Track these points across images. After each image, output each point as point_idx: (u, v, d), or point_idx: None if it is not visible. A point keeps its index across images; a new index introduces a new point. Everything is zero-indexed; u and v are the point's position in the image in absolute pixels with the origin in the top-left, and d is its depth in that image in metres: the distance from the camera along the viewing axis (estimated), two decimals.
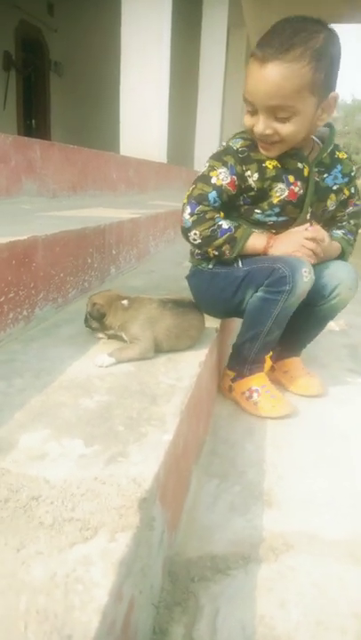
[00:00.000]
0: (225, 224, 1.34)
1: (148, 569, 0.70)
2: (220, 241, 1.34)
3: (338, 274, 1.44)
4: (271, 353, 1.68)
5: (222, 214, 1.37)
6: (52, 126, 9.22)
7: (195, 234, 1.35)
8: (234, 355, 1.50)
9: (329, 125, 1.40)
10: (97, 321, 1.27)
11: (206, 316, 1.40)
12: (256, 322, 1.37)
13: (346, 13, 8.51)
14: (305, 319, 1.53)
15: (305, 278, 1.28)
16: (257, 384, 1.46)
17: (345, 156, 1.45)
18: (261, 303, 1.34)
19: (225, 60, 7.06)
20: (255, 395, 1.45)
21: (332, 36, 1.18)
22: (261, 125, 1.24)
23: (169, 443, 0.82)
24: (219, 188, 1.33)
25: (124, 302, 1.27)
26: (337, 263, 1.47)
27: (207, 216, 1.33)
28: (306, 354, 1.73)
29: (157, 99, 4.09)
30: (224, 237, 1.34)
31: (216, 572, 0.87)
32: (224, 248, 1.35)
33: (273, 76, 1.15)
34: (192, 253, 1.57)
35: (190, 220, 1.35)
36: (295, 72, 1.14)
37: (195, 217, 1.34)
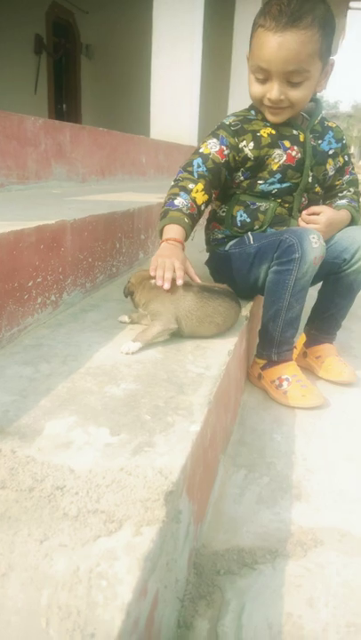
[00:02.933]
0: (179, 200, 1.34)
1: (173, 563, 0.68)
2: (162, 210, 1.36)
3: (357, 236, 1.45)
4: (305, 339, 1.65)
5: (200, 185, 1.37)
6: (82, 110, 9.20)
7: (165, 196, 1.40)
8: (260, 340, 1.48)
9: (315, 100, 1.45)
10: (130, 297, 1.28)
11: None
12: (274, 297, 1.37)
13: None
14: (333, 289, 1.54)
15: (314, 244, 1.29)
16: (288, 373, 1.43)
17: (334, 124, 1.52)
18: (276, 277, 1.35)
19: None
20: (285, 383, 1.42)
21: (328, 7, 1.26)
22: (276, 91, 1.30)
23: (196, 433, 0.79)
24: (205, 156, 1.39)
25: (152, 282, 1.25)
26: (354, 227, 1.50)
27: (180, 184, 1.38)
28: (338, 343, 1.68)
29: (189, 81, 4.02)
30: (164, 209, 1.36)
31: (243, 566, 0.85)
32: (160, 217, 1.36)
33: (291, 42, 1.22)
34: (207, 242, 1.59)
35: (171, 184, 1.41)
36: (309, 38, 1.22)
37: (173, 182, 1.40)
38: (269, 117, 1.39)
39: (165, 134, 3.89)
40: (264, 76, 1.30)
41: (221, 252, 1.51)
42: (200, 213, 1.39)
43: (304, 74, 1.27)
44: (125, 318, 1.27)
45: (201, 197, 1.37)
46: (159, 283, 1.17)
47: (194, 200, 1.36)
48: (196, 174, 1.38)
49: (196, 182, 1.37)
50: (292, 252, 1.28)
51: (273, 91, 1.30)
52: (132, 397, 0.89)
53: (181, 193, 1.36)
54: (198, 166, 1.39)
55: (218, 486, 1.05)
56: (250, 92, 1.38)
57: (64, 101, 9.04)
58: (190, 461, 0.75)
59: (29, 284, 1.14)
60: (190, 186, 1.37)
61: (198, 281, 1.25)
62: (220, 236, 1.55)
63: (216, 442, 1.02)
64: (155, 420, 0.82)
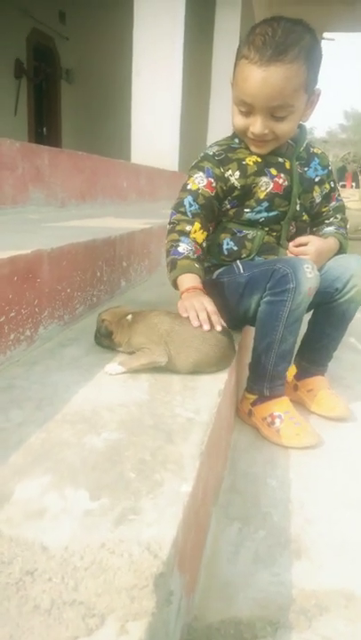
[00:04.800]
0: (182, 247, 1.31)
1: None
2: (168, 259, 1.33)
3: (349, 265, 1.40)
4: (295, 371, 1.58)
5: (197, 225, 1.33)
6: (63, 134, 9.19)
7: (166, 243, 1.36)
8: (251, 374, 1.39)
9: (300, 127, 1.40)
10: (106, 338, 1.20)
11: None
12: (267, 329, 1.30)
13: (356, 21, 8.43)
14: (325, 319, 1.48)
15: (308, 274, 1.23)
16: (280, 409, 1.35)
17: (320, 150, 1.49)
18: (269, 308, 1.28)
19: None
20: (278, 421, 1.33)
21: (315, 35, 1.21)
22: (260, 126, 1.25)
23: (188, 494, 0.70)
24: (194, 192, 1.35)
25: (129, 317, 1.20)
26: (345, 255, 1.45)
27: (177, 227, 1.34)
28: (329, 374, 1.61)
29: (170, 106, 4.01)
30: (170, 258, 1.32)
31: None
32: (168, 267, 1.33)
33: (276, 78, 1.17)
34: None
35: (168, 229, 1.37)
36: (295, 72, 1.17)
37: (169, 226, 1.37)
38: (253, 149, 1.35)
39: (147, 158, 3.85)
40: (247, 109, 1.26)
41: (208, 281, 1.43)
42: (203, 252, 1.36)
43: (288, 108, 1.23)
44: (119, 368, 1.10)
45: (201, 236, 1.34)
46: (195, 323, 1.14)
47: (195, 241, 1.32)
48: (189, 214, 1.34)
49: (192, 223, 1.33)
50: (287, 282, 1.22)
51: (257, 125, 1.26)
52: (114, 450, 0.79)
53: (182, 238, 1.32)
54: (190, 205, 1.34)
55: (210, 544, 0.95)
56: (233, 123, 1.34)
57: (44, 125, 9.03)
58: (182, 530, 0.65)
59: (1, 320, 1.04)
60: (188, 228, 1.33)
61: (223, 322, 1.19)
62: (206, 264, 1.47)
63: (208, 495, 0.92)
64: (141, 478, 0.73)
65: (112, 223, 2.08)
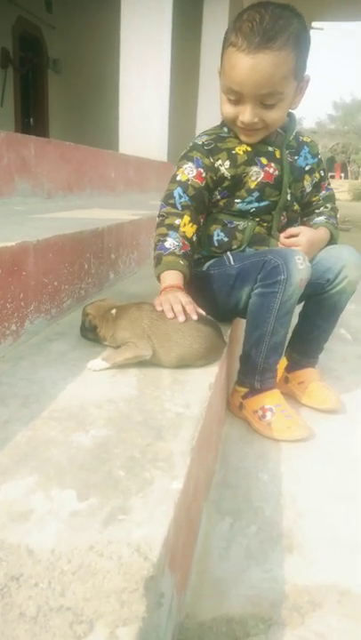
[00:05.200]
0: (169, 242, 1.28)
1: None
2: (154, 253, 1.31)
3: (341, 255, 1.39)
4: (286, 363, 1.57)
5: (186, 217, 1.30)
6: (50, 124, 9.07)
7: (154, 236, 1.33)
8: (242, 366, 1.38)
9: (289, 115, 1.37)
10: (90, 332, 1.19)
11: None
12: (258, 321, 1.28)
13: (349, 10, 8.39)
14: (316, 311, 1.47)
15: (300, 266, 1.21)
16: (271, 402, 1.33)
17: (309, 139, 1.47)
18: (260, 300, 1.26)
19: None
20: (269, 414, 1.32)
21: (303, 20, 1.19)
22: (250, 115, 1.23)
23: (179, 492, 0.68)
24: (184, 184, 1.31)
25: (113, 312, 1.18)
26: (336, 246, 1.44)
27: (166, 221, 1.31)
28: (319, 365, 1.60)
29: (158, 96, 3.96)
30: (156, 253, 1.30)
31: None
32: (154, 262, 1.31)
33: (265, 65, 1.14)
34: None
35: (157, 222, 1.34)
36: (284, 59, 1.14)
37: (158, 219, 1.34)
38: (243, 138, 1.32)
39: (135, 149, 3.81)
40: (236, 97, 1.23)
41: (199, 273, 1.41)
42: (193, 246, 1.33)
43: (278, 96, 1.20)
44: (103, 364, 1.07)
45: (190, 230, 1.31)
46: (170, 315, 1.12)
47: (184, 235, 1.29)
48: (179, 206, 1.30)
49: (181, 216, 1.30)
50: (278, 273, 1.20)
51: (246, 114, 1.23)
52: (103, 447, 0.77)
53: (170, 232, 1.28)
54: (180, 196, 1.31)
55: (201, 540, 0.94)
56: (222, 112, 1.31)
57: (31, 115, 8.90)
58: (173, 529, 0.64)
59: None
60: (177, 221, 1.29)
61: (203, 314, 1.17)
62: (196, 256, 1.45)
63: (199, 491, 0.91)
64: (130, 476, 0.71)
65: (100, 214, 2.04)
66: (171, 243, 1.27)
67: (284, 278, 1.20)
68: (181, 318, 1.11)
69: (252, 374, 1.34)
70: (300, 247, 1.33)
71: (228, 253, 1.38)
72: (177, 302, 1.15)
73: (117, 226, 1.78)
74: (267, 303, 1.24)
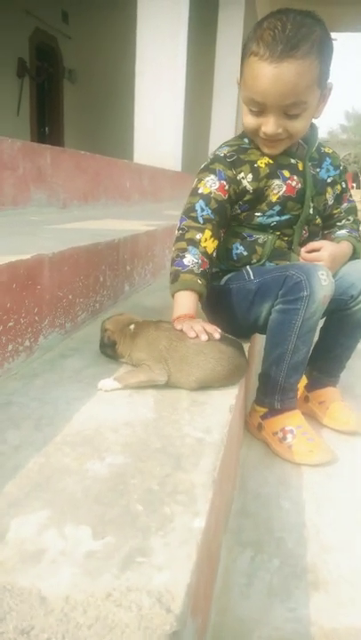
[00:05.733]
0: (188, 258, 1.22)
1: None
2: (171, 268, 1.25)
3: None
4: (306, 381, 1.51)
5: (207, 232, 1.24)
6: (65, 134, 9.14)
7: (172, 250, 1.28)
8: (261, 385, 1.33)
9: (310, 126, 1.32)
10: (109, 348, 1.14)
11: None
12: (278, 339, 1.23)
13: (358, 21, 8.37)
14: (338, 329, 1.41)
15: (323, 282, 1.16)
16: (292, 423, 1.28)
17: (331, 150, 1.43)
18: (281, 316, 1.21)
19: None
20: (289, 436, 1.26)
21: (325, 27, 1.15)
22: (273, 126, 1.19)
23: (201, 531, 0.63)
24: (206, 196, 1.26)
25: (131, 327, 1.14)
26: (359, 261, 1.38)
27: (187, 235, 1.25)
28: (338, 383, 1.54)
29: (172, 106, 3.95)
30: (173, 269, 1.24)
31: None
32: (170, 277, 1.25)
33: (289, 74, 1.10)
34: None
35: (176, 235, 1.28)
36: (307, 68, 1.10)
37: (179, 232, 1.28)
38: (265, 150, 1.27)
39: (149, 159, 3.79)
40: (258, 108, 1.18)
41: (216, 287, 1.36)
42: (212, 262, 1.28)
43: (302, 105, 1.16)
44: (114, 384, 1.02)
45: (211, 245, 1.25)
46: (192, 334, 1.07)
47: (204, 252, 1.24)
48: (201, 219, 1.25)
49: (202, 230, 1.24)
50: (300, 289, 1.15)
51: (269, 125, 1.18)
52: (119, 477, 0.73)
53: (190, 248, 1.23)
54: (202, 210, 1.25)
55: (221, 574, 0.88)
56: (244, 124, 1.27)
57: (46, 124, 8.97)
58: (195, 573, 0.59)
59: None
60: (198, 236, 1.24)
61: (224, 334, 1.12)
62: (214, 269, 1.40)
63: (219, 523, 0.86)
64: (148, 511, 0.66)
65: (115, 225, 2.01)
66: (190, 260, 1.22)
67: (306, 295, 1.15)
68: (204, 337, 1.07)
69: (272, 394, 1.29)
70: (322, 262, 1.28)
71: (248, 267, 1.33)
72: (196, 323, 1.11)
73: (133, 237, 1.75)
74: (288, 320, 1.19)
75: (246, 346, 1.34)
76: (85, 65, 9.01)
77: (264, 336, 1.31)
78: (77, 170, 2.35)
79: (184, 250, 1.23)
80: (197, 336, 1.07)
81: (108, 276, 1.54)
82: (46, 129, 8.95)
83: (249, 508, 1.07)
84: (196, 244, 1.23)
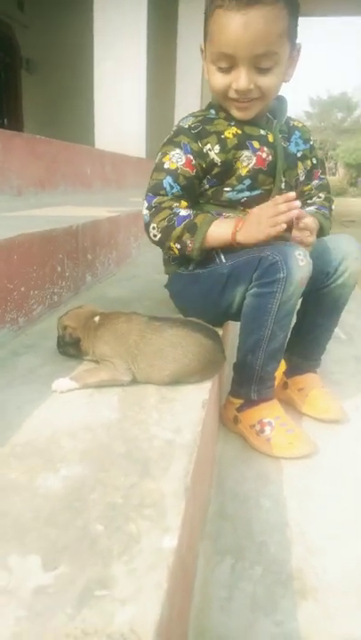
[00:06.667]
0: (183, 212, 1.16)
1: None
2: (178, 230, 1.15)
3: (341, 246, 1.27)
4: (285, 367, 1.43)
5: (183, 203, 1.18)
6: (25, 125, 8.85)
7: (153, 227, 1.18)
8: (236, 375, 1.24)
9: (279, 99, 1.27)
10: (72, 347, 1.02)
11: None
12: (254, 325, 1.14)
13: (324, 7, 8.34)
14: (316, 308, 1.34)
15: (300, 262, 1.08)
16: (270, 415, 1.20)
17: (300, 123, 1.35)
18: (256, 301, 1.12)
19: None
20: (268, 429, 1.18)
21: None
22: (245, 80, 1.09)
23: (173, 551, 0.54)
24: (173, 172, 1.17)
25: (96, 319, 1.02)
26: (336, 236, 1.31)
27: (164, 205, 1.17)
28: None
29: (134, 91, 3.83)
30: (182, 225, 1.15)
31: None
32: (185, 238, 1.15)
33: (259, 21, 1.03)
34: (166, 262, 1.36)
35: (148, 214, 1.19)
36: (276, 15, 1.04)
37: (152, 209, 1.18)
38: (236, 113, 1.17)
39: (112, 145, 3.65)
40: (228, 63, 1.09)
41: (185, 273, 1.27)
42: None
43: (274, 57, 1.07)
44: (70, 384, 0.92)
45: None
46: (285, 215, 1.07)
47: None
48: (171, 197, 1.16)
49: (178, 201, 1.17)
50: (276, 271, 1.06)
51: (241, 79, 1.09)
52: (76, 492, 0.63)
53: (175, 210, 1.16)
54: (171, 187, 1.16)
55: (199, 588, 0.79)
56: (211, 86, 1.16)
57: (4, 116, 8.66)
58: (167, 603, 0.49)
59: None
60: (175, 205, 1.16)
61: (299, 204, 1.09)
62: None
63: (194, 532, 0.77)
64: (110, 531, 0.56)
65: (74, 212, 1.89)
66: (185, 211, 1.15)
67: (283, 277, 1.06)
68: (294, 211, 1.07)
69: (248, 384, 1.20)
70: (310, 238, 1.18)
71: (218, 250, 1.24)
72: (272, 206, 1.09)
73: (93, 223, 1.63)
74: (264, 305, 1.11)
75: (218, 332, 1.25)
76: (44, 54, 8.71)
77: (239, 323, 1.22)
78: (32, 155, 2.21)
79: (171, 212, 1.15)
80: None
81: (67, 265, 1.43)
82: (4, 121, 8.64)
83: (227, 510, 0.99)
84: (177, 208, 1.16)
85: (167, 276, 1.38)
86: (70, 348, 1.04)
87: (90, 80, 3.79)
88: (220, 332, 1.27)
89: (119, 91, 3.74)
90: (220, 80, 1.12)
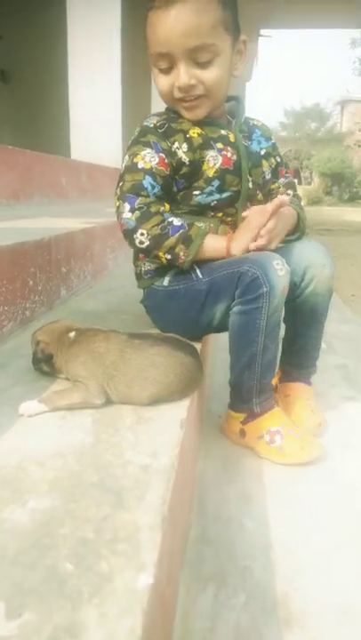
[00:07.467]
0: (176, 221, 1.12)
1: None
2: (172, 240, 1.11)
3: (304, 254, 1.23)
4: (280, 373, 1.40)
5: (167, 206, 1.15)
6: (0, 135, 8.75)
7: (142, 234, 1.11)
8: (235, 392, 1.21)
9: (236, 99, 1.27)
10: (45, 364, 0.98)
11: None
12: (245, 342, 1.12)
13: (295, 18, 8.47)
14: (295, 319, 1.32)
15: (280, 272, 1.06)
16: (275, 423, 1.17)
17: (260, 122, 1.34)
18: (242, 318, 1.10)
19: None
20: (278, 438, 1.15)
21: None
22: (184, 75, 1.07)
23: (149, 590, 0.50)
24: (150, 172, 1.12)
25: (71, 335, 0.98)
26: (302, 244, 1.26)
27: (152, 209, 1.11)
28: None
29: (109, 100, 3.82)
30: (177, 236, 1.11)
31: None
32: (178, 249, 1.11)
33: (187, 13, 1.02)
34: (138, 276, 1.31)
35: (133, 219, 1.11)
36: (205, 6, 1.03)
37: (137, 213, 1.11)
38: (186, 114, 1.15)
39: (88, 155, 3.62)
40: (167, 63, 1.08)
41: (160, 289, 1.23)
42: None
43: (211, 49, 1.06)
44: (39, 407, 0.87)
45: None
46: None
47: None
48: (154, 197, 1.12)
49: (162, 204, 1.14)
50: (258, 286, 1.04)
51: (180, 75, 1.07)
52: (45, 527, 0.58)
53: (167, 216, 1.12)
54: (153, 187, 1.12)
55: (179, 621, 0.75)
56: (158, 90, 1.15)
57: None
58: None
59: None
60: (162, 209, 1.13)
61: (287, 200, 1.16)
62: (151, 266, 1.26)
63: (174, 562, 0.73)
64: (81, 570, 0.52)
65: (48, 223, 1.85)
66: (177, 220, 1.12)
67: (266, 290, 1.04)
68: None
69: (248, 399, 1.17)
70: (271, 226, 1.13)
71: (194, 264, 1.20)
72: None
73: (67, 235, 1.59)
74: (252, 321, 1.08)
75: (198, 347, 1.22)
76: (19, 65, 8.66)
77: (215, 335, 1.19)
78: (4, 166, 2.16)
79: (163, 220, 1.11)
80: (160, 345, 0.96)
81: (40, 279, 1.38)
82: None
83: (209, 533, 0.95)
84: (166, 213, 1.13)
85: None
86: (44, 364, 1.00)
87: (65, 90, 3.76)
88: (200, 346, 1.24)
89: (94, 100, 3.73)
90: (163, 82, 1.11)
